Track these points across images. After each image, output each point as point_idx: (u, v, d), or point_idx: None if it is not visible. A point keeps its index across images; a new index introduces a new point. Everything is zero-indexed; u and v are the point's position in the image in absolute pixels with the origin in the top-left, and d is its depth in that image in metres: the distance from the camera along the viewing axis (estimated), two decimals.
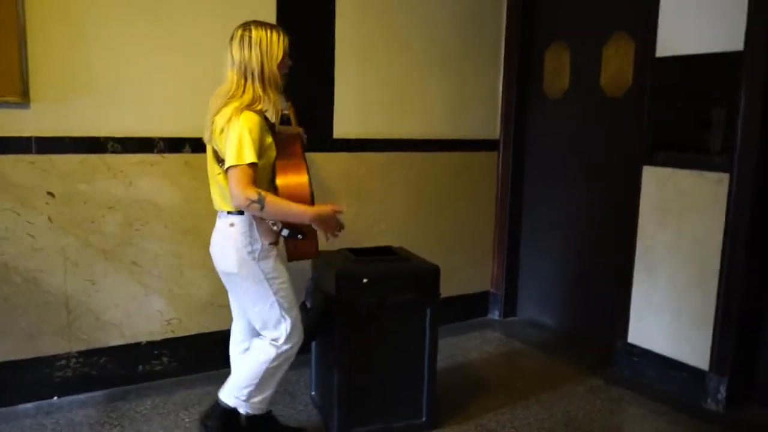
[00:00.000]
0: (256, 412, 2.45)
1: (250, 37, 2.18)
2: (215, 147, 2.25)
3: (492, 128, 4.17)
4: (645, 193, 3.27)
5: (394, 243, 3.11)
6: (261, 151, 2.15)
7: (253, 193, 2.08)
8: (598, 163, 3.74)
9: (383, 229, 3.74)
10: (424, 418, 2.75)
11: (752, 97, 2.80)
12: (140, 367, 3.12)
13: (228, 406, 2.43)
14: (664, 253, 3.20)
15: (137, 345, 3.11)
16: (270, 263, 2.29)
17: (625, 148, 3.47)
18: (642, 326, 3.33)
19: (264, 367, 2.36)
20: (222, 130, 2.16)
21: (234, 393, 2.42)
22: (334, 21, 3.45)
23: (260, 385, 2.39)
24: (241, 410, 2.43)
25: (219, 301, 3.18)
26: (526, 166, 4.19)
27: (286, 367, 2.43)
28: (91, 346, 3.00)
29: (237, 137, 2.09)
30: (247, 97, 2.18)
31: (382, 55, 3.65)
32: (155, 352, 3.16)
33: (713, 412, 2.99)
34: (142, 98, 2.97)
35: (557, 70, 3.96)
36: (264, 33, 2.20)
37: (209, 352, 3.21)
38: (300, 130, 2.60)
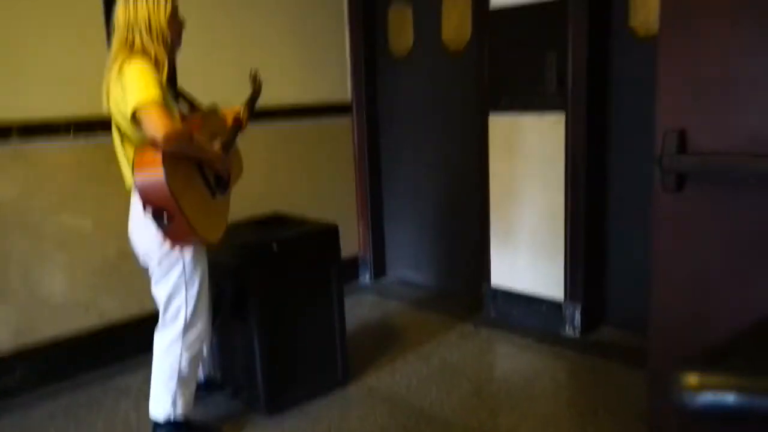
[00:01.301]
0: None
1: None
2: (114, 114, 2.09)
3: (343, 91, 4.16)
4: (492, 139, 3.41)
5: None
6: None
7: (177, 123, 1.98)
8: (447, 116, 3.84)
9: (247, 203, 3.63)
10: (340, 376, 2.81)
11: (577, 40, 2.99)
12: None
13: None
14: (516, 197, 3.37)
15: None
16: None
17: (471, 100, 3.59)
18: (502, 269, 3.50)
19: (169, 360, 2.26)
20: (116, 88, 2.02)
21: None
22: None
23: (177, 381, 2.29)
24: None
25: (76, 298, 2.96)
26: (381, 127, 4.23)
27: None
28: None
29: (136, 78, 1.96)
30: (135, 50, 2.05)
31: (224, 19, 3.51)
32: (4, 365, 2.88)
33: (571, 338, 3.23)
34: None
35: (401, 28, 4.01)
36: None
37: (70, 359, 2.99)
38: (237, 109, 2.49)
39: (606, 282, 3.31)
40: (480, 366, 3.04)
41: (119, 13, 2.09)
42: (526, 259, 3.39)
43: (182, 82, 3.21)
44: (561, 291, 3.27)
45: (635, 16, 2.95)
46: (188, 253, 2.19)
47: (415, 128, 4.05)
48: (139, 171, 1.98)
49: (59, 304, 2.99)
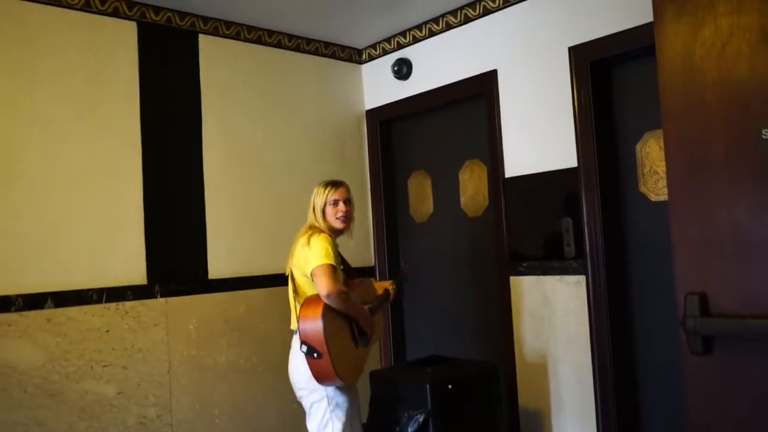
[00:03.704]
0: None
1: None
2: (294, 273, 2.70)
3: (366, 255, 4.30)
4: (514, 302, 3.46)
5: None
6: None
7: (342, 285, 2.55)
8: (470, 277, 3.93)
9: (266, 369, 3.64)
10: None
11: (589, 205, 3.13)
12: None
13: None
14: (542, 360, 3.35)
15: None
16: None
17: (492, 263, 3.69)
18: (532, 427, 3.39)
19: None
20: (301, 252, 2.64)
21: None
22: (202, 164, 3.53)
23: None
24: None
25: None
26: (405, 290, 4.31)
27: None
28: None
29: (319, 247, 2.57)
30: (316, 229, 2.72)
31: (250, 192, 3.74)
32: None
33: None
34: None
35: (421, 196, 4.23)
36: (316, 188, 2.84)
37: None
38: (386, 285, 3.08)
39: None
40: None
41: (312, 198, 2.81)
42: (557, 422, 3.28)
43: (224, 256, 3.38)
44: None
45: (644, 183, 3.11)
46: (331, 390, 2.58)
47: (437, 292, 4.12)
48: (304, 315, 2.52)
49: None
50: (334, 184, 2.84)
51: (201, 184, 3.52)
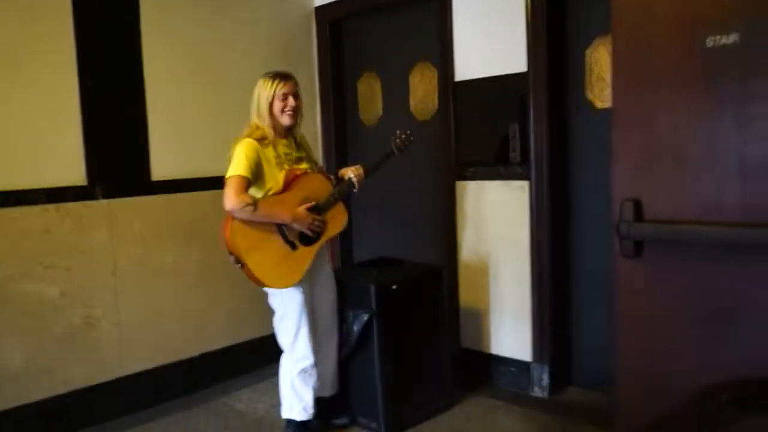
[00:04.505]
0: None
1: (256, 85, 2.75)
2: None
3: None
4: (459, 206, 3.52)
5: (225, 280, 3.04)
6: (256, 170, 2.61)
7: (247, 198, 2.52)
8: (417, 182, 3.95)
9: (213, 270, 3.65)
10: (449, 392, 3.23)
11: (537, 111, 3.14)
12: None
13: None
14: (483, 262, 3.45)
15: None
16: None
17: (439, 167, 3.71)
18: (472, 331, 3.55)
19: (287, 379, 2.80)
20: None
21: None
22: (141, 62, 3.35)
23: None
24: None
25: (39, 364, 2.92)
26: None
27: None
28: None
29: (234, 157, 2.60)
30: (247, 130, 2.71)
31: (194, 93, 3.60)
32: None
33: (540, 399, 3.26)
34: None
35: (370, 98, 4.16)
36: (261, 80, 2.75)
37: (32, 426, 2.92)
38: (356, 171, 2.90)
39: (573, 343, 3.38)
40: (451, 426, 3.04)
41: (257, 92, 2.74)
42: (495, 321, 3.44)
43: (168, 159, 3.30)
44: (529, 353, 3.32)
45: (591, 89, 3.13)
46: (283, 292, 2.70)
47: (385, 195, 4.14)
48: (223, 228, 2.59)
49: (22, 371, 2.94)
50: (283, 77, 2.74)
51: (141, 84, 3.36)
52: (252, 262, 2.57)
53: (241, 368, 3.80)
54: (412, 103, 3.93)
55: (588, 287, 3.28)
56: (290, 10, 4.11)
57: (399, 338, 2.99)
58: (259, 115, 2.73)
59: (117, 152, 3.29)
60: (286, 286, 2.69)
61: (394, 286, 2.98)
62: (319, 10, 4.20)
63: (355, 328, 2.93)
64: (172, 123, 3.49)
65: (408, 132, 3.07)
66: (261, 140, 2.68)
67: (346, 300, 3.02)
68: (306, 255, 2.73)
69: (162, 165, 3.45)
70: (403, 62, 3.93)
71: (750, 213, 1.66)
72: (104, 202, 3.21)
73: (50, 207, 3.02)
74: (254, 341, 3.84)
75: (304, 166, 2.79)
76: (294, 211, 2.66)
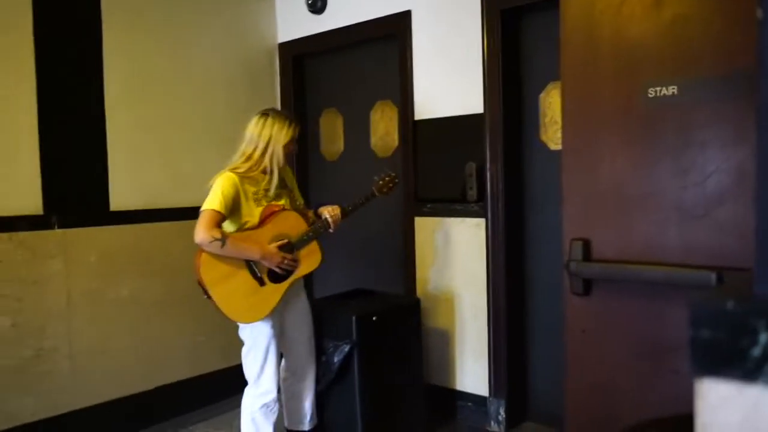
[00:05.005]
0: None
1: (265, 120, 2.70)
2: None
3: None
4: (419, 241, 3.57)
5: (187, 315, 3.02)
6: (232, 205, 2.60)
7: (216, 233, 2.51)
8: (376, 220, 4.00)
9: (171, 303, 3.62)
10: (421, 425, 3.23)
11: (493, 151, 3.25)
12: None
13: None
14: (442, 297, 3.51)
15: None
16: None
17: (399, 203, 3.78)
18: (430, 365, 3.58)
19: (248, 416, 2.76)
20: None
21: None
22: (103, 93, 3.36)
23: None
24: None
25: None
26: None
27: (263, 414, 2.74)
28: None
29: (212, 190, 2.59)
30: (237, 162, 2.68)
31: (156, 124, 3.62)
32: None
33: None
34: None
35: (332, 134, 4.22)
36: (271, 120, 2.70)
37: None
38: (332, 212, 2.88)
39: (528, 378, 3.43)
40: None
41: (249, 126, 2.71)
42: (454, 356, 3.48)
43: (128, 189, 3.28)
44: (486, 387, 3.36)
45: (545, 132, 3.25)
46: (252, 326, 2.68)
47: (347, 229, 4.16)
48: (194, 259, 2.60)
49: None
50: (295, 121, 2.77)
51: (102, 113, 3.36)
52: (217, 294, 2.58)
53: (199, 402, 3.75)
54: (373, 140, 4.01)
55: (543, 323, 3.35)
56: (254, 44, 4.18)
57: (378, 370, 3.00)
58: (259, 151, 2.69)
59: (75, 181, 3.28)
60: (250, 321, 2.68)
61: (375, 317, 3.01)
62: (283, 46, 4.27)
63: (336, 359, 2.92)
64: (133, 153, 3.49)
65: (393, 174, 3.02)
66: (245, 174, 2.66)
67: (325, 331, 3.01)
68: (274, 292, 2.70)
69: (121, 195, 3.44)
70: (365, 100, 4.02)
71: (687, 254, 1.75)
72: (60, 231, 3.18)
73: (3, 236, 2.98)
74: (212, 374, 3.80)
75: (282, 202, 2.78)
76: (264, 248, 2.64)
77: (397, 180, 3.03)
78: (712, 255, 1.71)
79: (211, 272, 2.58)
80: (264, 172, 2.70)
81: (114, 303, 3.40)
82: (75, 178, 3.28)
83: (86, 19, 3.32)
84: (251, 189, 2.68)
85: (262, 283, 2.67)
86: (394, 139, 3.87)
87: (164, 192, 3.63)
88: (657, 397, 1.79)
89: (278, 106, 4.31)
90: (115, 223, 3.42)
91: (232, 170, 2.64)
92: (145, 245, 3.54)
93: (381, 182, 3.00)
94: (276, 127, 2.69)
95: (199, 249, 2.57)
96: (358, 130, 4.08)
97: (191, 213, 3.70)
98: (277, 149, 2.69)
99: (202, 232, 2.51)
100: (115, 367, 3.40)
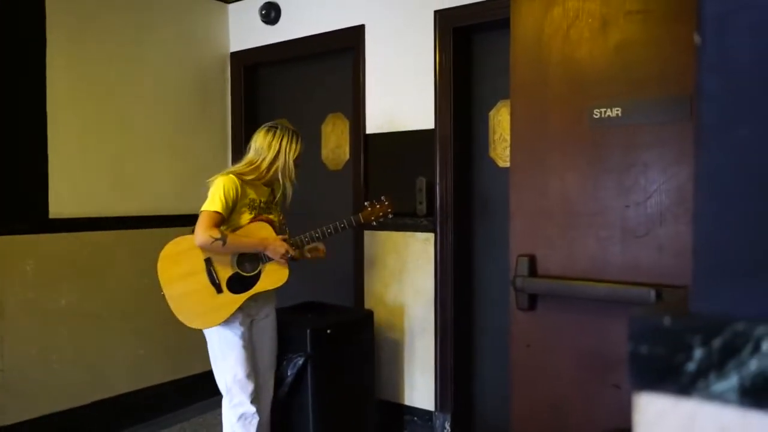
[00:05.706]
0: None
1: (274, 133, 2.70)
2: None
3: None
4: (368, 255, 3.57)
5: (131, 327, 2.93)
6: (232, 207, 2.57)
7: (215, 233, 2.50)
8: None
9: (112, 314, 3.51)
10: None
11: (443, 167, 3.28)
12: None
13: None
14: (391, 311, 3.51)
15: None
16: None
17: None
18: (377, 379, 3.56)
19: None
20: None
21: None
22: (45, 97, 3.26)
23: None
24: None
25: None
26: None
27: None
28: None
29: (212, 191, 2.57)
30: (251, 172, 2.66)
31: (101, 129, 3.52)
32: None
33: None
34: None
35: None
36: (279, 134, 2.70)
37: None
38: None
39: (475, 393, 3.46)
40: None
41: (257, 138, 2.71)
42: (404, 369, 3.48)
43: (68, 196, 3.19)
44: (432, 402, 3.37)
45: (494, 149, 3.30)
46: (216, 333, 2.64)
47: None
48: None
49: None
50: (301, 136, 2.79)
51: (43, 117, 3.26)
52: (169, 293, 2.57)
53: (141, 416, 3.63)
54: (324, 152, 3.99)
55: (490, 338, 3.38)
56: (205, 53, 4.13)
57: (331, 383, 2.99)
58: (266, 162, 2.68)
59: (11, 186, 3.15)
60: (198, 327, 2.65)
61: (329, 330, 2.99)
62: (235, 55, 4.24)
63: (290, 372, 2.90)
64: (75, 159, 3.39)
65: (387, 203, 2.90)
66: (248, 180, 2.65)
67: (280, 344, 2.96)
68: (230, 303, 2.61)
69: (62, 202, 3.33)
70: (317, 112, 4.01)
71: (629, 272, 1.80)
72: None
73: None
74: (155, 387, 3.69)
75: (272, 216, 2.76)
76: (267, 239, 2.63)
77: (390, 212, 2.91)
78: (652, 273, 1.76)
79: (167, 270, 2.58)
80: (266, 184, 2.73)
81: (51, 314, 3.27)
82: (11, 183, 3.16)
83: (29, 20, 3.21)
84: (250, 195, 2.67)
85: (219, 290, 2.61)
86: (345, 152, 3.87)
87: (107, 200, 3.53)
88: (602, 410, 1.83)
89: (228, 117, 4.26)
90: (54, 231, 3.31)
91: (236, 173, 2.63)
92: (86, 254, 3.43)
93: (370, 209, 2.91)
94: (285, 140, 2.70)
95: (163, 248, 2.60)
96: (308, 142, 4.05)
97: (135, 222, 3.66)
98: (289, 163, 2.71)
99: (201, 233, 2.50)
100: (50, 380, 3.27)
